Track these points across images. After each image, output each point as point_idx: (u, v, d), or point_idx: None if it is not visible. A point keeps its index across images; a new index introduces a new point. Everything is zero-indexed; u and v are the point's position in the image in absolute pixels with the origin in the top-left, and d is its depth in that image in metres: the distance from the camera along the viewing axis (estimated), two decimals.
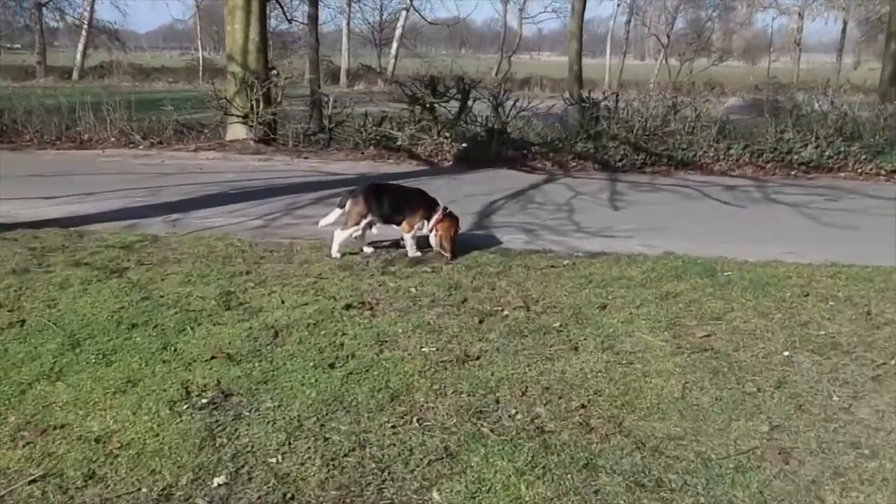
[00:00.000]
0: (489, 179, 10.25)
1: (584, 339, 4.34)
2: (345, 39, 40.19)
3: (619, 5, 48.50)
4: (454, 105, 12.34)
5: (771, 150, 11.10)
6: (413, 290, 5.18)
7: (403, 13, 39.57)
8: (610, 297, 5.16)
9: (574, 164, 11.27)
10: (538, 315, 4.74)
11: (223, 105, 12.81)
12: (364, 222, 6.20)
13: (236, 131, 12.91)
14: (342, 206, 6.24)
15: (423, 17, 38.91)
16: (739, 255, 6.36)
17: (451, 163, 11.48)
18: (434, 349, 4.13)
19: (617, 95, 12.51)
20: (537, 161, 11.40)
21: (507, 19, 47.95)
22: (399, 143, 11.98)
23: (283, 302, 4.85)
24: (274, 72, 13.72)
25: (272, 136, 12.72)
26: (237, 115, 12.67)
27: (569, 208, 8.52)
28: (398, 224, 6.27)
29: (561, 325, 4.55)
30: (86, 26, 35.12)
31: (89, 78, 31.62)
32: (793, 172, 10.98)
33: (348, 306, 4.77)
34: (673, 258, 6.25)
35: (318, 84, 14.21)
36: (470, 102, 12.27)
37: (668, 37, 46.97)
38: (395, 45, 39.99)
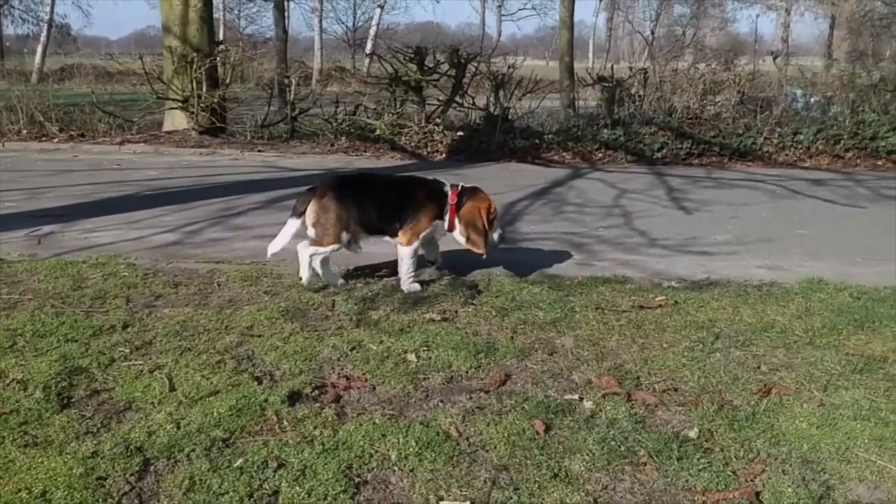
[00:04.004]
0: (497, 175, 8.03)
1: (765, 471, 2.24)
2: (317, 38, 38.15)
3: (601, 0, 46.62)
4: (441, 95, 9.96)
5: (850, 135, 8.82)
6: (412, 357, 3.05)
7: (377, 11, 37.63)
8: (766, 368, 3.03)
9: (600, 155, 9.05)
10: (651, 410, 2.63)
11: (158, 89, 10.24)
12: (345, 237, 3.78)
13: (175, 120, 10.42)
14: (299, 212, 3.82)
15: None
16: None
17: (444, 155, 9.23)
18: None
19: (645, 72, 10.17)
20: (553, 152, 9.31)
21: (485, 16, 45.88)
22: (377, 132, 9.52)
23: (172, 389, 2.72)
24: (221, 47, 11.14)
25: (219, 125, 10.18)
26: (175, 100, 10.13)
27: (622, 212, 6.11)
28: (393, 235, 3.87)
29: (702, 436, 2.46)
30: (45, 27, 32.51)
31: (49, 80, 29.15)
32: (880, 163, 8.75)
33: (294, 396, 2.67)
34: (831, 290, 3.88)
35: (285, 74, 11.63)
36: (466, 80, 9.84)
37: (653, 33, 45.49)
38: (369, 45, 37.93)
